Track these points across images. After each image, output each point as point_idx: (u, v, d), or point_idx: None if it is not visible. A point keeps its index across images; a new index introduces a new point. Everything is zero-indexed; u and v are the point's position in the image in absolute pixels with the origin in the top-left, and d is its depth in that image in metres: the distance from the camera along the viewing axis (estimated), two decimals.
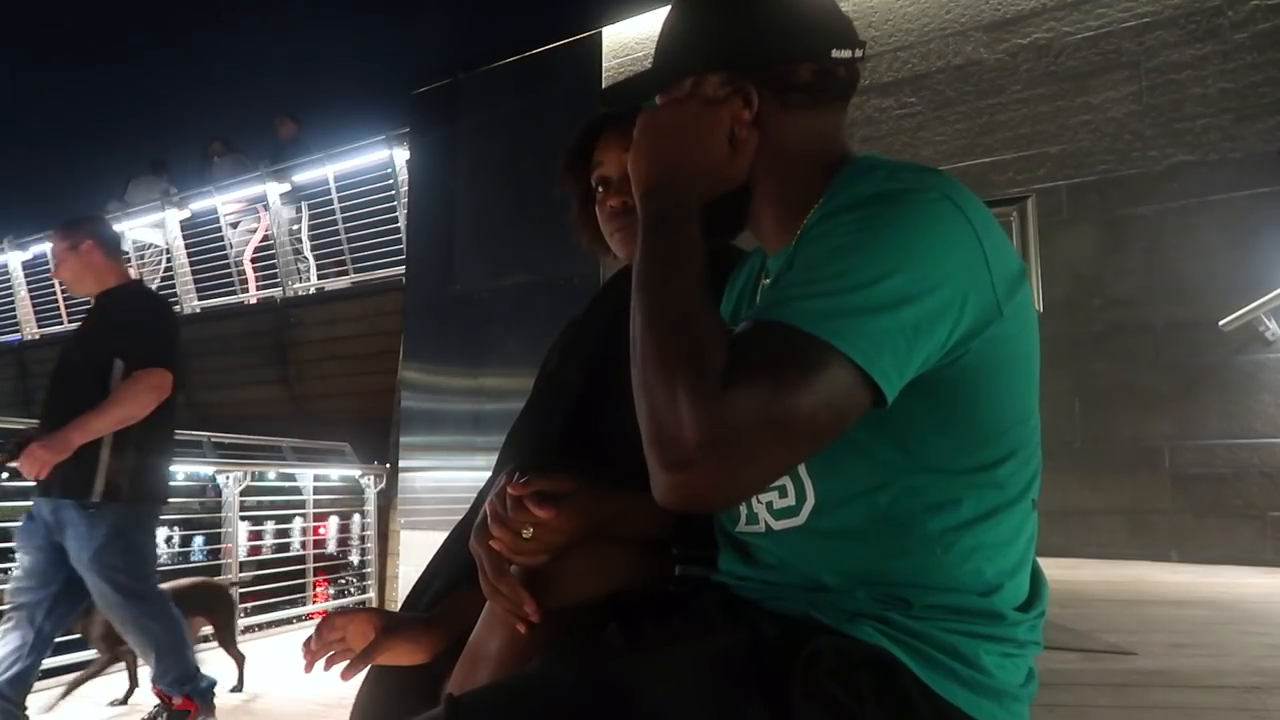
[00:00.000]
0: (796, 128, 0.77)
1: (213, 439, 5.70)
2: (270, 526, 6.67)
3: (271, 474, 5.44)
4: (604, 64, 4.54)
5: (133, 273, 2.91)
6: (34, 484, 2.42)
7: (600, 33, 4.56)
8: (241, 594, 4.29)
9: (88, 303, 2.80)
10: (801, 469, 0.71)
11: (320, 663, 0.99)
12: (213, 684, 2.66)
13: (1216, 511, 2.52)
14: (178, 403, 2.58)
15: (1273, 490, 2.85)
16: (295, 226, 7.23)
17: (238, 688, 3.11)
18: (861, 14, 3.84)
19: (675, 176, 0.73)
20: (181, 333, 2.69)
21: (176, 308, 7.84)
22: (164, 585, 2.77)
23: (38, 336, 9.19)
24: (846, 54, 0.77)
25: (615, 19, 4.51)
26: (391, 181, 6.49)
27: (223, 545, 4.34)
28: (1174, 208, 3.14)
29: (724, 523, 0.81)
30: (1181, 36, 3.21)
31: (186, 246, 7.84)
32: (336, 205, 6.83)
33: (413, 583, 1.13)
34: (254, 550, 5.83)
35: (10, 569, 2.50)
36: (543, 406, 1.15)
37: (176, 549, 6.35)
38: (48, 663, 3.24)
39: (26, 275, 9.30)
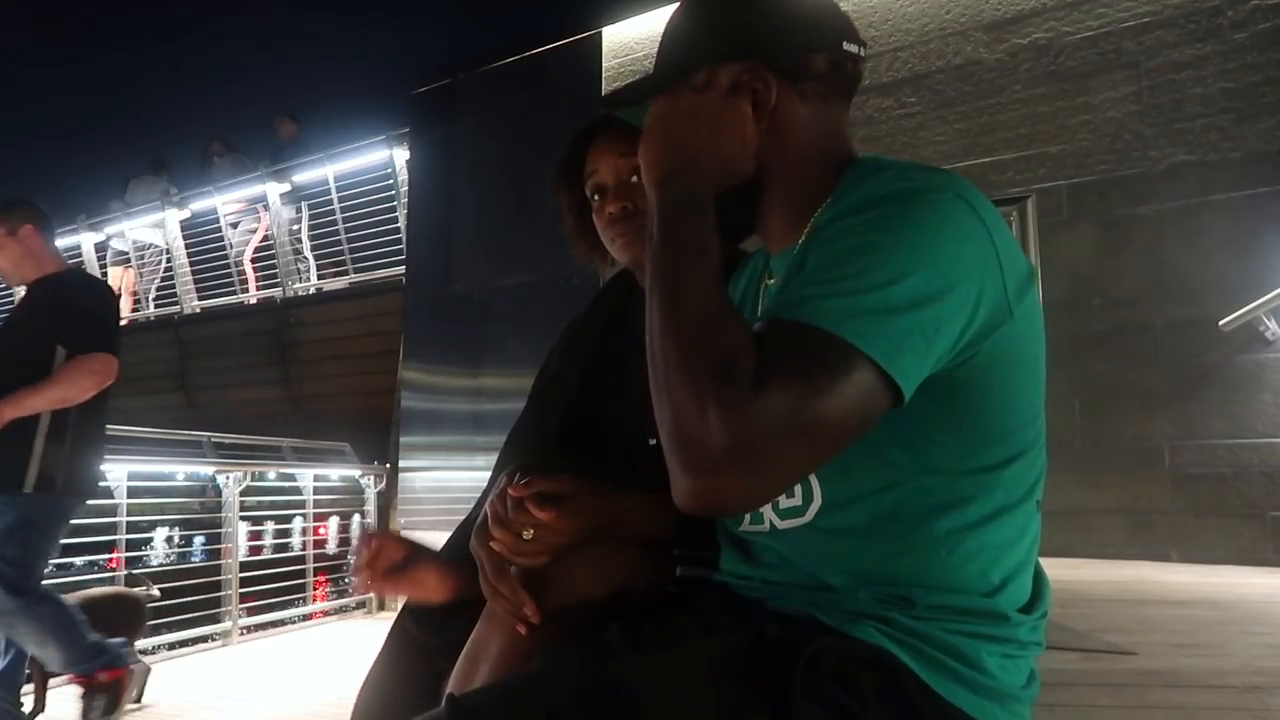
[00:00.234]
0: (808, 121, 0.77)
1: (213, 439, 5.70)
2: (270, 526, 6.66)
3: (271, 474, 5.44)
4: (604, 64, 4.54)
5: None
6: None
7: (600, 33, 4.57)
8: (241, 594, 4.28)
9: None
10: None
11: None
12: (124, 642, 2.54)
13: (1216, 511, 2.52)
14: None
15: (1273, 490, 2.85)
16: (295, 226, 7.23)
17: (136, 699, 2.89)
18: (861, 14, 3.84)
19: (692, 165, 0.72)
20: (120, 321, 2.58)
21: (176, 308, 7.86)
22: (72, 595, 2.64)
23: None
24: (854, 48, 0.78)
25: (615, 19, 4.51)
26: (391, 182, 6.49)
27: (223, 545, 4.34)
28: (1174, 208, 3.14)
29: (726, 522, 0.81)
30: (1181, 36, 3.21)
31: (186, 246, 7.85)
32: (336, 205, 6.83)
33: None
34: (254, 550, 5.82)
35: None
36: (541, 408, 1.15)
37: (176, 549, 6.35)
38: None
39: None
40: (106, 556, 5.05)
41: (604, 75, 4.53)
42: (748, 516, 0.77)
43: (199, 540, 5.26)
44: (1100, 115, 3.33)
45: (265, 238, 7.38)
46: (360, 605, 5.24)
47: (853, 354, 0.59)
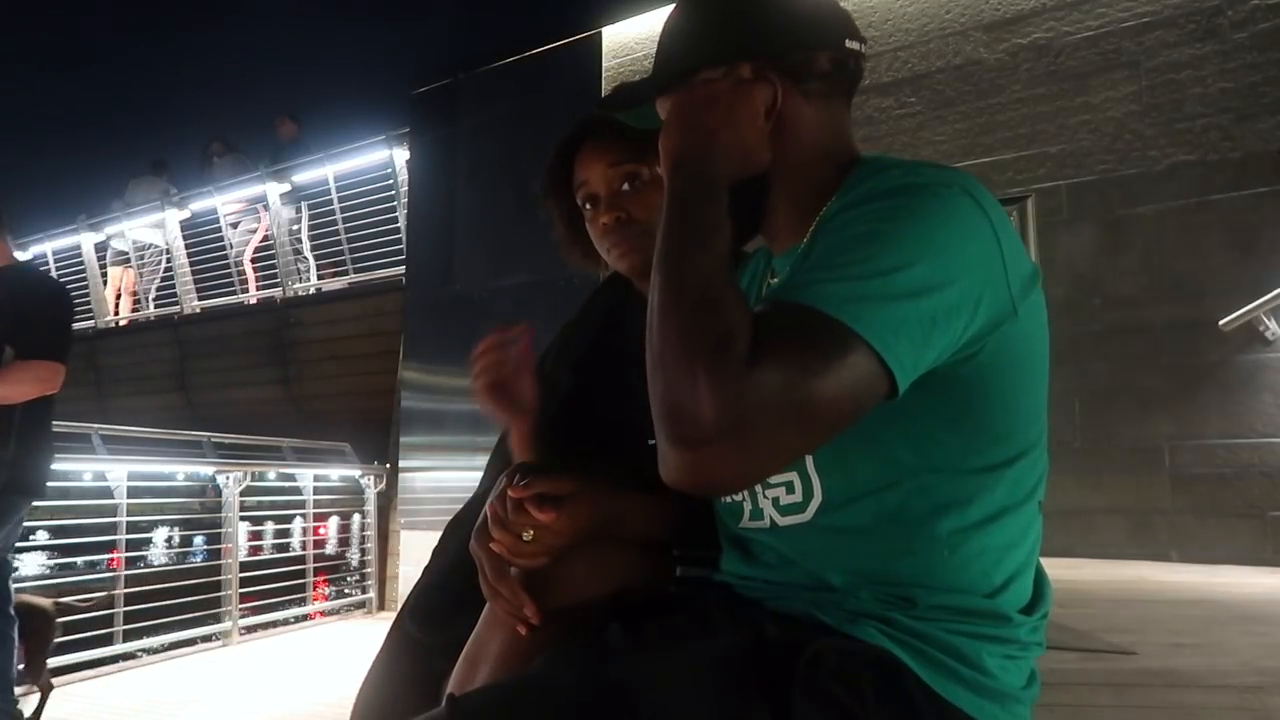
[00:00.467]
0: (813, 119, 0.77)
1: (213, 439, 5.70)
2: (270, 526, 6.66)
3: (271, 474, 5.44)
4: (604, 64, 4.54)
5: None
6: None
7: (600, 33, 4.56)
8: (241, 594, 4.28)
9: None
10: (809, 465, 0.71)
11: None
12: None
13: (1216, 511, 2.52)
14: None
15: (1273, 490, 2.85)
16: (295, 226, 7.23)
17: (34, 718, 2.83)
18: (861, 14, 3.84)
19: (708, 152, 0.71)
20: (74, 325, 2.52)
21: (176, 308, 7.85)
22: None
23: None
24: (856, 46, 0.78)
25: (615, 19, 4.50)
26: (391, 182, 6.49)
27: (223, 545, 4.34)
28: (1174, 208, 3.14)
29: (727, 521, 0.81)
30: (1181, 36, 3.21)
31: (186, 246, 7.84)
32: (336, 205, 6.83)
33: (413, 583, 1.13)
34: (254, 550, 5.82)
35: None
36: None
37: (176, 549, 6.35)
38: (49, 663, 3.25)
39: None
40: (107, 556, 5.05)
41: (604, 75, 4.52)
42: (747, 513, 0.77)
43: (199, 540, 5.26)
44: (1100, 115, 3.33)
45: (265, 238, 7.38)
46: (360, 605, 5.24)
47: (850, 337, 0.59)
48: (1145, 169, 3.23)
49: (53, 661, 3.29)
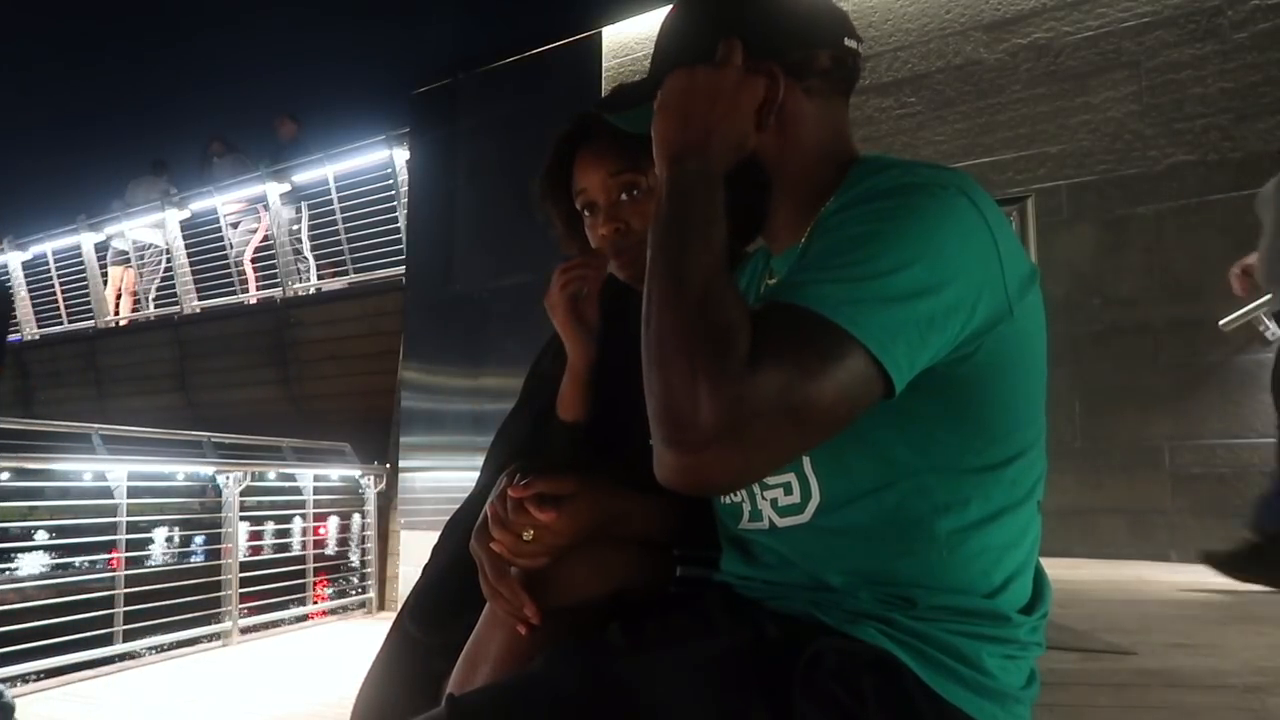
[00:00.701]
0: (814, 117, 0.77)
1: (213, 439, 5.69)
2: (270, 526, 6.66)
3: (271, 474, 5.43)
4: (604, 64, 4.54)
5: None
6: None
7: (600, 33, 4.56)
8: (241, 594, 4.28)
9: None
10: (808, 467, 0.71)
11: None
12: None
13: (1216, 511, 2.52)
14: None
15: None
16: (295, 226, 7.23)
17: None
18: (861, 14, 3.84)
19: (706, 143, 0.71)
20: (9, 329, 2.46)
21: (176, 308, 7.85)
22: None
23: (38, 336, 9.18)
24: (854, 44, 0.78)
25: (615, 19, 4.50)
26: (391, 182, 6.49)
27: (223, 545, 4.34)
28: (1174, 208, 3.14)
29: (726, 521, 0.81)
30: (1181, 36, 3.21)
31: (186, 246, 7.84)
32: (336, 205, 6.83)
33: (413, 583, 1.13)
34: (254, 550, 5.82)
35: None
36: (529, 405, 1.16)
37: (176, 549, 6.35)
38: (44, 663, 3.26)
39: (26, 275, 9.30)
40: (107, 556, 5.04)
41: (604, 75, 4.52)
42: (746, 514, 0.77)
43: (199, 540, 5.26)
44: (1100, 115, 3.33)
45: (265, 238, 7.38)
46: (360, 605, 5.24)
47: (847, 340, 0.59)
48: (1145, 169, 3.23)
49: (53, 661, 3.30)
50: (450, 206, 5.28)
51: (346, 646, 4.01)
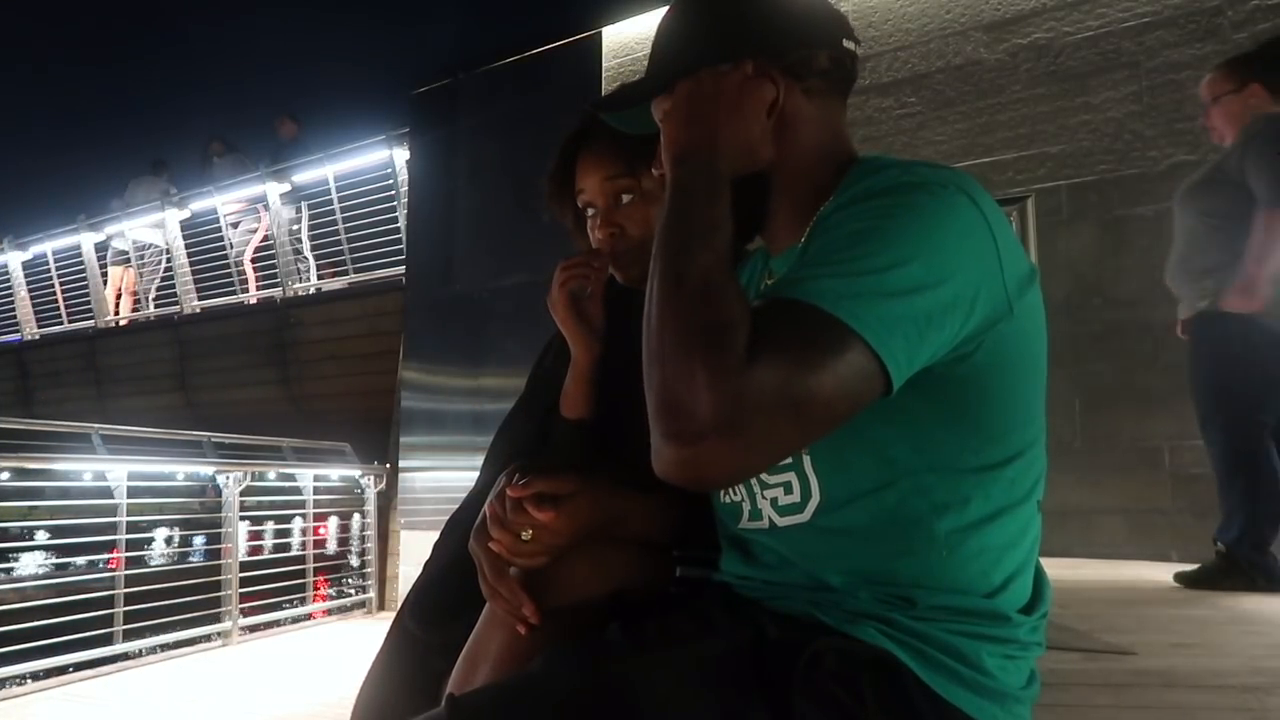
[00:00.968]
0: (814, 117, 0.77)
1: (213, 439, 5.69)
2: (270, 526, 6.66)
3: (271, 474, 5.43)
4: (604, 64, 4.54)
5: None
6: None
7: (600, 33, 4.56)
8: (241, 594, 4.28)
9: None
10: (807, 466, 0.71)
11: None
12: None
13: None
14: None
15: None
16: (295, 226, 7.23)
17: None
18: (861, 14, 3.84)
19: (713, 145, 0.71)
20: None
21: (176, 308, 7.85)
22: None
23: (38, 336, 9.19)
24: (852, 46, 0.78)
25: (615, 19, 4.50)
26: (391, 181, 6.49)
27: (223, 545, 4.34)
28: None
29: (726, 521, 0.81)
30: (1181, 36, 3.21)
31: (186, 246, 7.84)
32: (336, 205, 6.83)
33: (413, 582, 1.13)
34: (254, 550, 5.82)
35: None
36: (530, 403, 1.16)
37: (176, 549, 6.34)
38: (44, 663, 3.26)
39: (26, 275, 9.31)
40: (107, 556, 5.05)
41: (604, 75, 4.52)
42: (746, 513, 0.77)
43: (199, 540, 5.26)
44: (1100, 115, 3.33)
45: (265, 238, 7.38)
46: (360, 605, 5.24)
47: (846, 334, 0.59)
48: (1145, 169, 3.23)
49: (53, 661, 3.30)
50: (450, 206, 5.28)
51: (346, 646, 4.01)
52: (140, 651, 3.85)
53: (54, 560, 5.75)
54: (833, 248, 0.65)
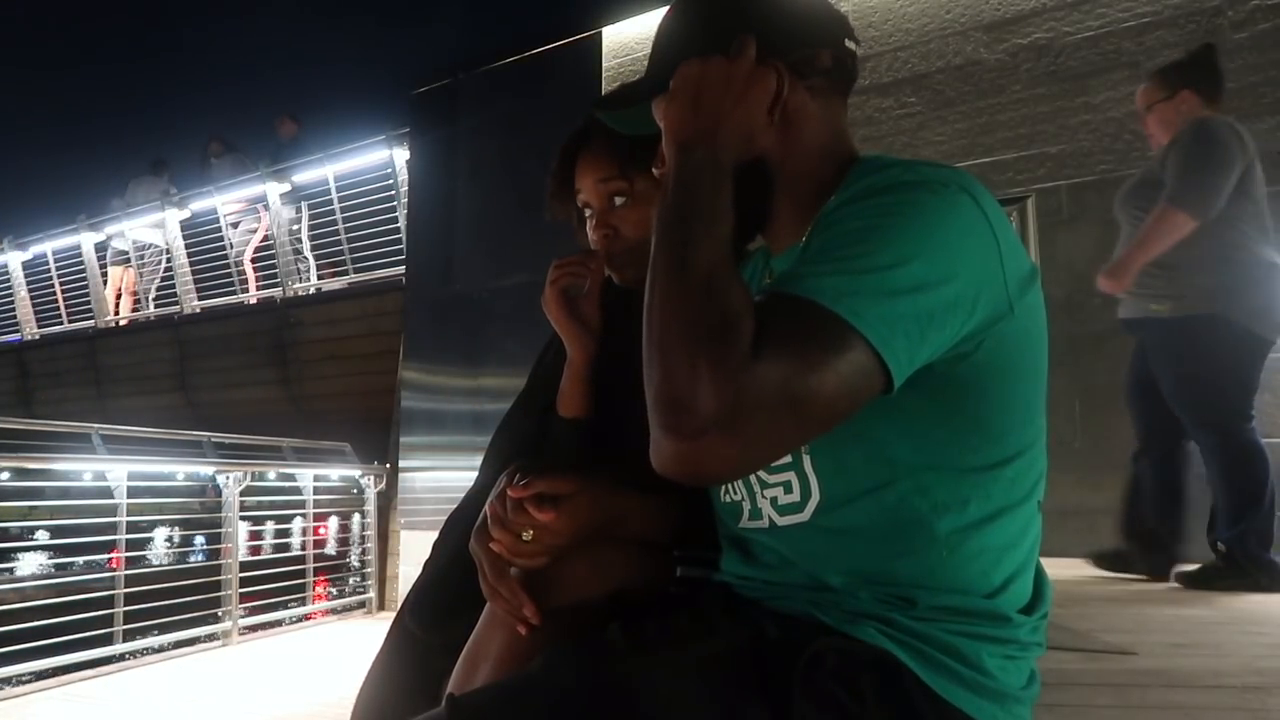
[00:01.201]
0: (816, 115, 0.77)
1: (213, 439, 5.70)
2: (270, 526, 6.67)
3: (271, 474, 5.43)
4: (604, 64, 4.54)
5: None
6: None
7: (600, 33, 4.56)
8: (241, 594, 4.28)
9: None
10: (807, 465, 0.71)
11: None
12: None
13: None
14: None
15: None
16: (295, 226, 7.23)
17: None
18: (861, 14, 3.84)
19: (717, 131, 0.71)
20: None
21: (176, 308, 7.85)
22: None
23: (38, 336, 9.19)
24: (853, 45, 0.79)
25: (615, 19, 4.50)
26: (391, 181, 6.49)
27: (223, 545, 4.34)
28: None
29: (726, 520, 0.81)
30: (1181, 36, 3.21)
31: (186, 246, 7.84)
32: (336, 205, 6.83)
33: (413, 582, 1.13)
34: (254, 550, 5.82)
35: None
36: (529, 402, 1.16)
37: (176, 549, 6.35)
38: (44, 663, 3.26)
39: (26, 275, 9.31)
40: (107, 556, 5.05)
41: (604, 75, 4.52)
42: (746, 512, 0.77)
43: (199, 540, 5.26)
44: (1100, 115, 3.33)
45: (265, 238, 7.38)
46: (360, 605, 5.24)
47: (848, 332, 0.59)
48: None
49: (53, 661, 3.30)
50: (450, 206, 5.28)
51: (346, 646, 4.01)
52: (140, 651, 3.85)
53: (54, 560, 5.75)
54: (834, 245, 0.65)
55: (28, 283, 9.32)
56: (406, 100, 5.63)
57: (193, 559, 5.44)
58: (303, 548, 5.17)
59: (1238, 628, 1.79)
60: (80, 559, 6.39)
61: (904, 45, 3.77)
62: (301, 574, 4.95)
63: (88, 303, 8.59)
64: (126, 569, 3.98)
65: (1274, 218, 2.73)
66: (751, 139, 0.74)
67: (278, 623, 4.64)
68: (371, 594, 5.23)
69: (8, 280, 9.40)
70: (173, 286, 7.88)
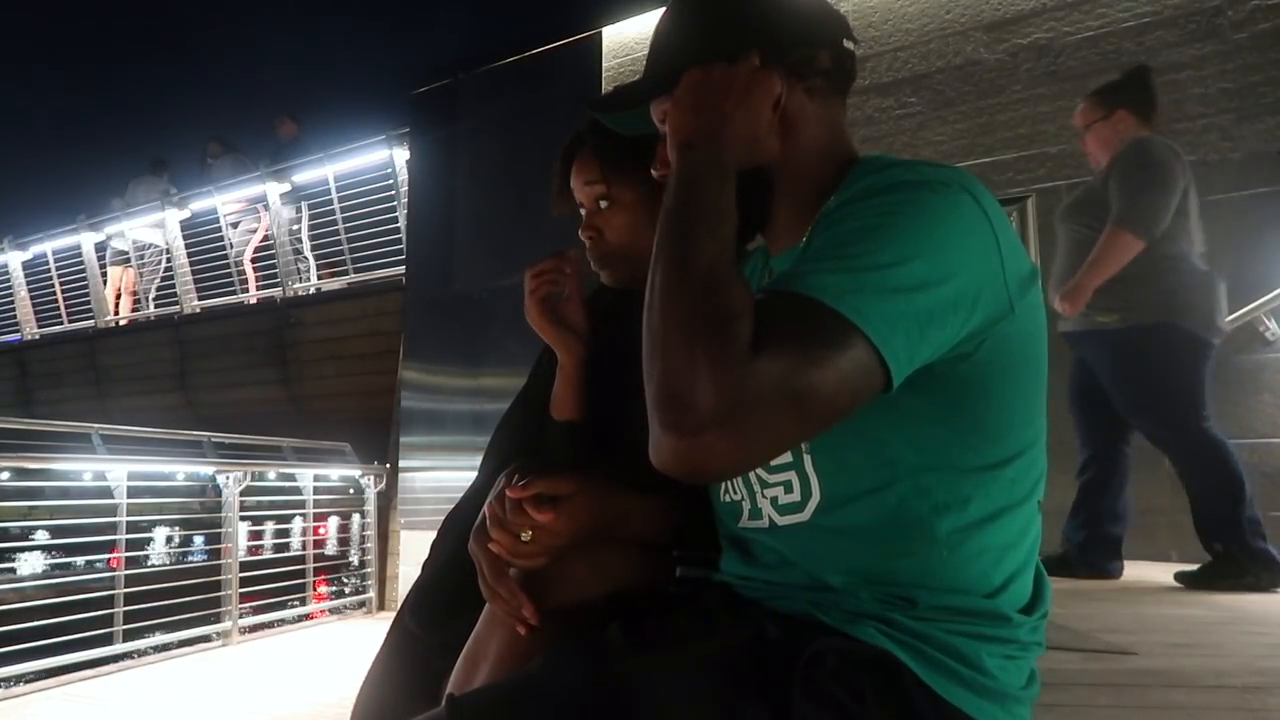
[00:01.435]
0: (815, 116, 0.77)
1: (213, 439, 5.70)
2: (270, 526, 6.66)
3: (271, 474, 5.44)
4: (604, 64, 4.54)
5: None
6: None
7: (600, 33, 4.56)
8: (241, 594, 4.28)
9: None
10: (808, 465, 0.71)
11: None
12: None
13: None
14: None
15: (1273, 490, 2.84)
16: (295, 226, 7.23)
17: None
18: (861, 14, 3.84)
19: (720, 134, 0.71)
20: None
21: (176, 308, 7.85)
22: None
23: (38, 336, 9.19)
24: (852, 46, 0.79)
25: (615, 19, 4.50)
26: (391, 181, 6.49)
27: (223, 545, 4.34)
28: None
29: (726, 520, 0.81)
30: (1181, 36, 3.21)
31: (186, 246, 7.84)
32: (336, 205, 6.83)
33: (413, 582, 1.13)
34: (254, 550, 5.82)
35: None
36: (526, 403, 1.16)
37: (176, 549, 6.35)
38: (44, 663, 3.26)
39: (26, 275, 9.31)
40: (107, 556, 5.05)
41: (604, 75, 4.53)
42: (746, 512, 0.77)
43: (199, 540, 5.26)
44: None
45: (265, 238, 7.38)
46: (360, 605, 5.24)
47: (849, 329, 0.59)
48: None
49: (53, 661, 3.30)
50: (450, 206, 5.28)
51: (346, 646, 4.02)
52: (140, 651, 3.85)
53: (54, 560, 5.75)
54: (835, 243, 0.65)
55: (28, 282, 9.31)
56: (406, 100, 5.63)
57: (192, 559, 5.44)
58: (303, 548, 5.17)
59: (1238, 627, 1.79)
60: (80, 559, 6.39)
61: (904, 45, 3.77)
62: (301, 574, 4.95)
63: (88, 303, 8.59)
64: (126, 569, 3.98)
65: (1267, 215, 2.74)
66: (757, 142, 0.74)
67: (278, 623, 4.64)
68: (371, 594, 5.23)
69: (8, 280, 9.40)
70: (173, 286, 7.88)
